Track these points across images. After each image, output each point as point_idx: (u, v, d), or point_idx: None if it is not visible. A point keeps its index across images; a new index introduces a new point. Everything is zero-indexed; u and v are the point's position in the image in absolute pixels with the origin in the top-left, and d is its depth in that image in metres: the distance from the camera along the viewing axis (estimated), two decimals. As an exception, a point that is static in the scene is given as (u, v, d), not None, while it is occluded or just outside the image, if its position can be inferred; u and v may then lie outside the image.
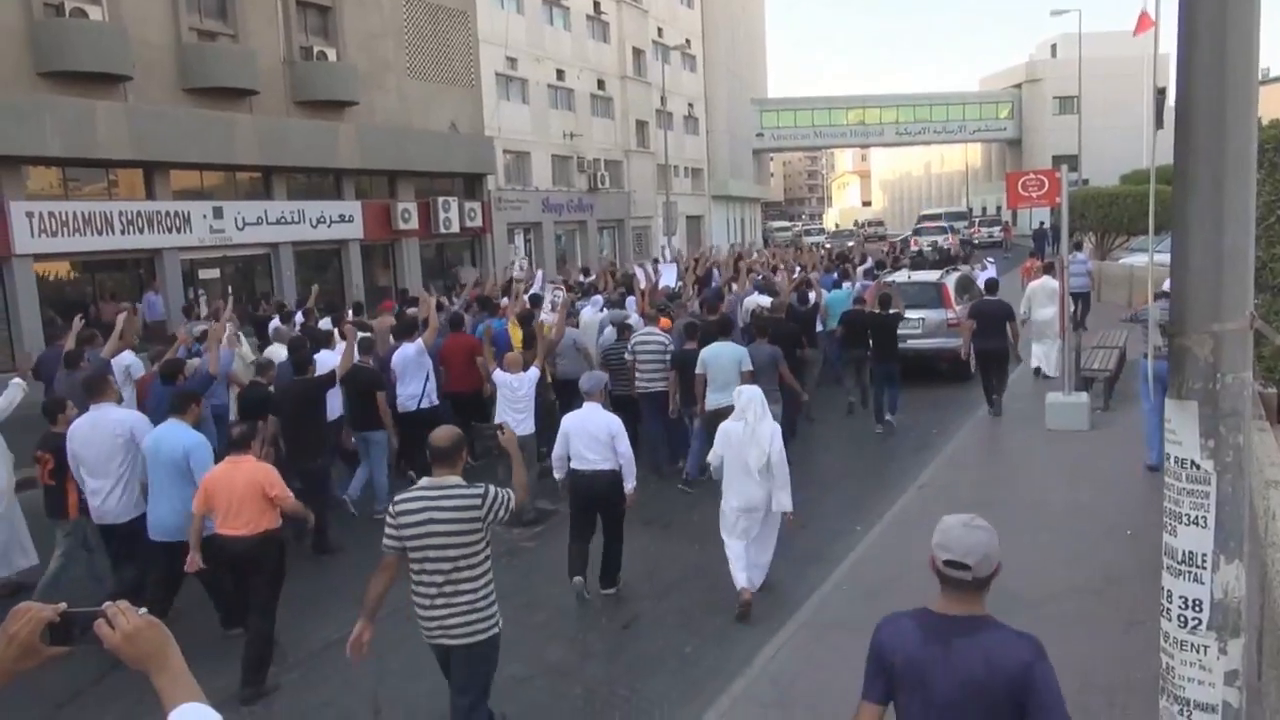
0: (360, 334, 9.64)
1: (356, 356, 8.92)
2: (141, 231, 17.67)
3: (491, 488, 4.53)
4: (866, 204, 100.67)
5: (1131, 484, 8.64)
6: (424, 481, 4.57)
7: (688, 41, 44.82)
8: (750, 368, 8.94)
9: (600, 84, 36.87)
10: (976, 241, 43.14)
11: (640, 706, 5.59)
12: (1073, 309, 14.47)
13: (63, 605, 1.72)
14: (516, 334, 11.05)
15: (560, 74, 33.87)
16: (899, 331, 12.33)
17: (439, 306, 12.37)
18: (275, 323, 12.44)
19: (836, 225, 78.77)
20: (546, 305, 13.46)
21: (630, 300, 13.43)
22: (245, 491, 5.85)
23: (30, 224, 15.76)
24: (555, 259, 31.41)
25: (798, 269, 17.83)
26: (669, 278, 17.42)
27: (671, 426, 10.56)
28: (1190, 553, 2.69)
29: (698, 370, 9.33)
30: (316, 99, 21.56)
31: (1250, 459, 2.74)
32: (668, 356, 10.10)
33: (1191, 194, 2.60)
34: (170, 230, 18.21)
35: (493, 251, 28.16)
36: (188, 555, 6.13)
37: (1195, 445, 2.64)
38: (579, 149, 34.72)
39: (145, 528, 6.65)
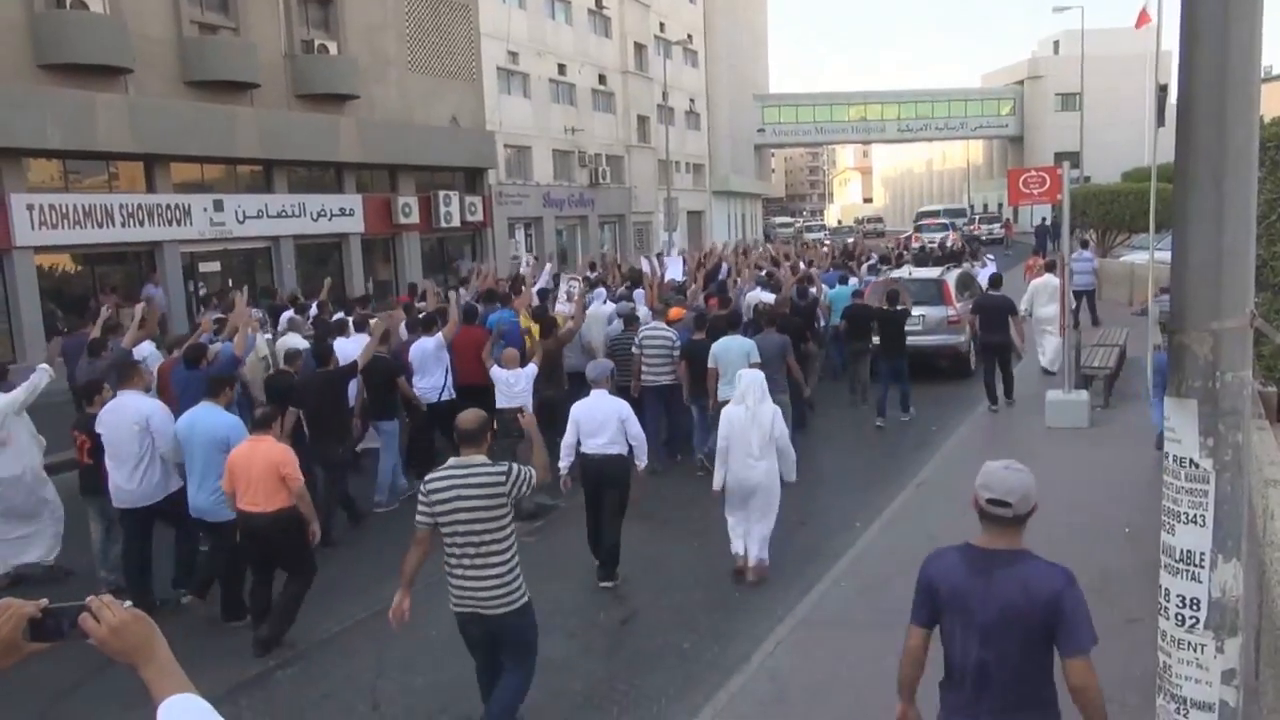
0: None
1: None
2: (142, 224, 17.64)
3: (515, 465, 4.79)
4: (868, 200, 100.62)
5: (1130, 482, 8.64)
6: (451, 461, 4.82)
7: (689, 37, 44.73)
8: (758, 359, 9.11)
9: (602, 79, 36.81)
10: (985, 238, 43.05)
11: (639, 702, 5.60)
12: (1074, 306, 14.48)
13: (44, 601, 1.71)
14: (525, 323, 11.17)
15: (562, 69, 33.81)
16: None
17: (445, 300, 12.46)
18: (290, 313, 12.55)
19: (839, 221, 78.78)
20: (562, 295, 13.63)
21: (639, 294, 13.57)
22: (262, 470, 6.12)
23: (31, 216, 15.73)
24: (556, 254, 31.39)
25: (800, 264, 17.88)
26: (675, 271, 17.53)
27: (674, 421, 10.60)
28: (1188, 551, 2.68)
29: (710, 364, 9.48)
30: (317, 92, 21.50)
31: (1249, 458, 2.73)
32: (674, 351, 10.20)
33: (1192, 191, 2.59)
34: (171, 223, 18.18)
35: (493, 246, 28.13)
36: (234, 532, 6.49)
37: (1194, 444, 2.64)
38: (580, 144, 34.68)
39: (176, 505, 6.98)
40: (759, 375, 7.27)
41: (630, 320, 10.87)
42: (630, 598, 7.13)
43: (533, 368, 9.22)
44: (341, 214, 22.44)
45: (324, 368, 8.72)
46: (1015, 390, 12.42)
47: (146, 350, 9.83)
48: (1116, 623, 5.62)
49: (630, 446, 7.21)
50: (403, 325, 11.00)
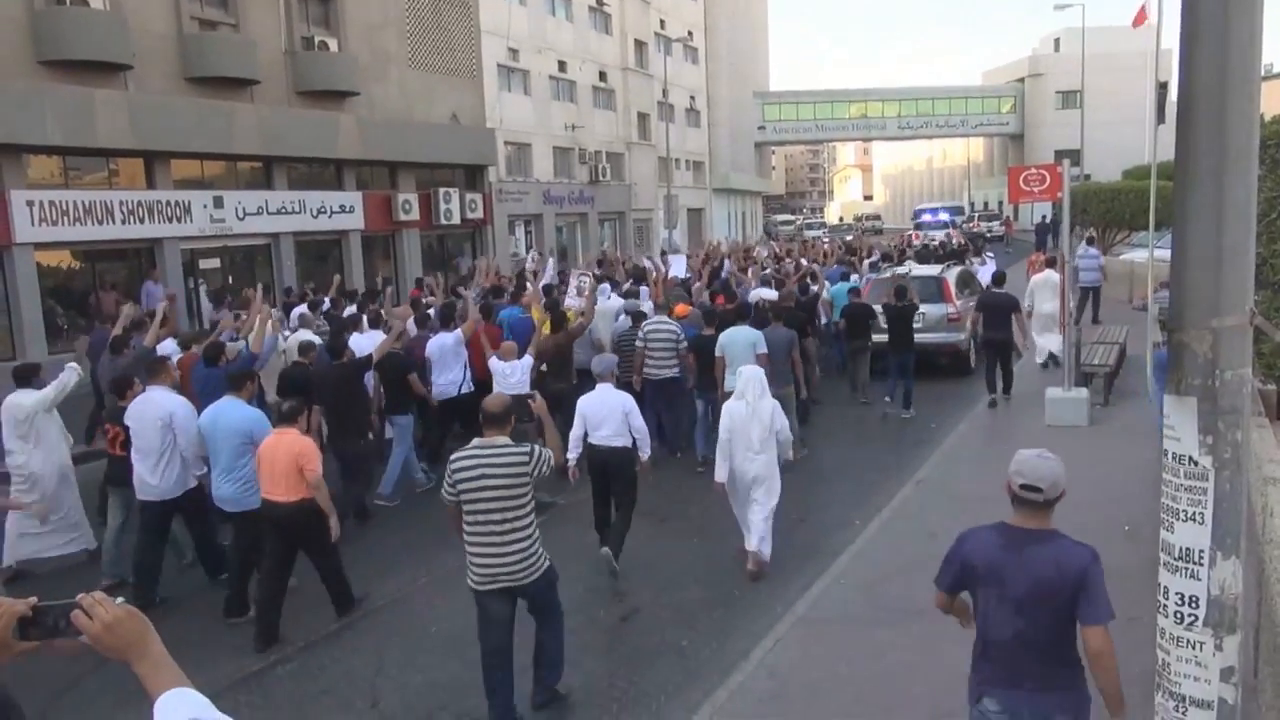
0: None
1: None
2: (142, 221, 17.64)
3: (536, 447, 5.10)
4: (868, 198, 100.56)
5: (1130, 480, 8.64)
6: (476, 442, 5.09)
7: (690, 34, 44.69)
8: (765, 350, 9.34)
9: (602, 76, 36.78)
10: (988, 234, 43.01)
11: (638, 699, 5.61)
12: (1073, 302, 14.55)
13: (33, 599, 1.71)
14: (538, 316, 11.26)
15: (562, 65, 33.78)
16: None
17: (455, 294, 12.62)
18: (301, 309, 12.63)
19: (841, 219, 78.72)
20: (572, 291, 13.83)
21: (644, 290, 13.73)
22: (285, 461, 6.35)
23: (31, 213, 15.73)
24: (556, 251, 31.38)
25: (803, 261, 17.99)
26: (678, 268, 17.61)
27: (676, 417, 10.64)
28: (1187, 549, 2.68)
29: (717, 354, 9.59)
30: (317, 89, 21.49)
31: (1248, 455, 2.73)
32: (678, 344, 10.30)
33: (1192, 189, 2.59)
34: (171, 220, 18.17)
35: (493, 243, 28.11)
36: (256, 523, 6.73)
37: (1194, 441, 2.64)
38: (580, 141, 34.65)
39: (193, 501, 7.24)
40: (758, 371, 7.45)
41: (638, 317, 11.00)
42: (630, 595, 7.13)
43: (529, 360, 9.35)
44: (341, 211, 22.42)
45: (338, 361, 8.87)
46: (1014, 387, 12.49)
47: (169, 347, 9.98)
48: (1115, 620, 5.62)
49: (634, 439, 7.44)
50: (411, 321, 11.07)
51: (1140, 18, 17.84)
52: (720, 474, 7.28)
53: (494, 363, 9.33)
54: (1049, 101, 56.68)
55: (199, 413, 7.21)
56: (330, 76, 21.77)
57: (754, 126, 57.18)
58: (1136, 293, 18.94)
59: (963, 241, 32.73)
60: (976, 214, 51.83)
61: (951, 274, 15.79)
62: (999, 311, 12.23)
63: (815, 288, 13.99)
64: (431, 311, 11.61)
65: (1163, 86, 17.03)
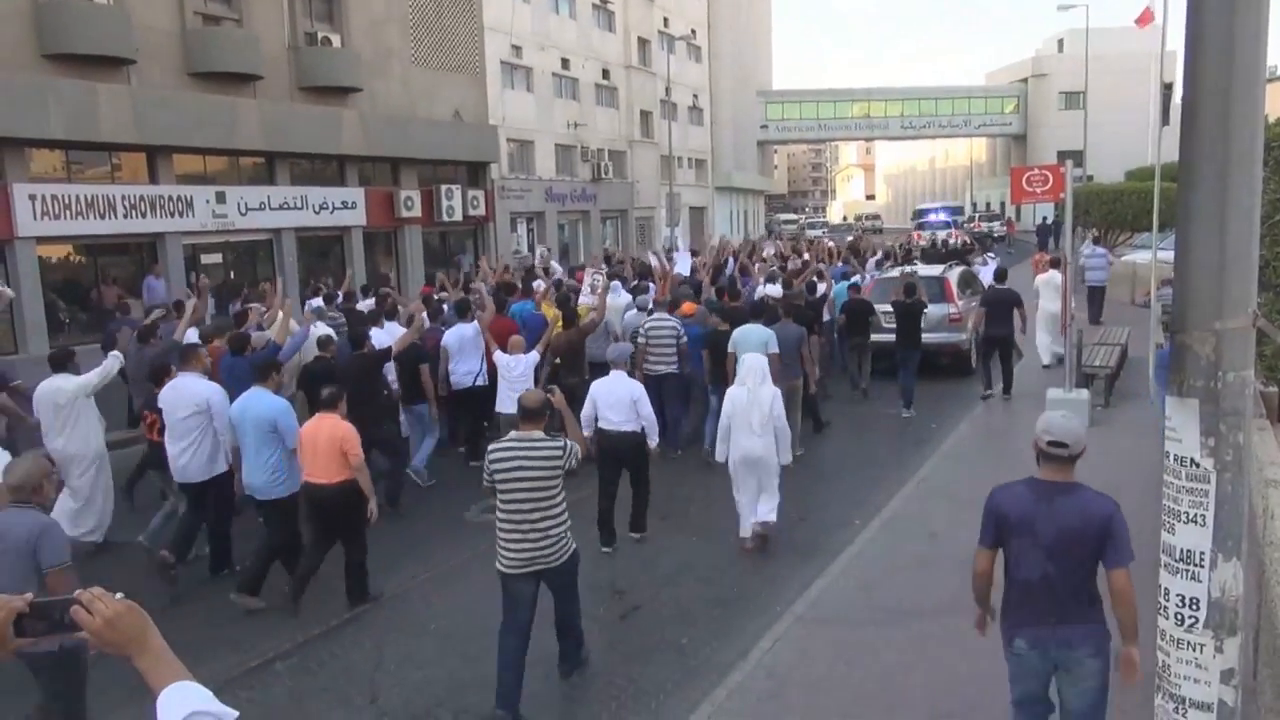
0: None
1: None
2: (144, 216, 17.63)
3: (567, 441, 5.46)
4: (870, 198, 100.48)
5: (1130, 481, 8.62)
6: (513, 435, 5.46)
7: (693, 32, 44.62)
8: (776, 350, 9.51)
9: (605, 73, 36.74)
10: (996, 235, 42.92)
11: (637, 697, 5.61)
12: (1074, 304, 14.58)
13: (29, 595, 1.70)
14: (549, 312, 11.50)
15: (565, 63, 33.74)
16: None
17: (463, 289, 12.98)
18: (316, 302, 12.69)
19: (844, 218, 78.70)
20: (586, 288, 14.02)
21: (651, 287, 13.84)
22: (326, 445, 6.66)
23: (33, 206, 15.73)
24: (559, 249, 31.39)
25: (809, 259, 18.11)
26: (683, 266, 17.68)
27: (675, 415, 10.69)
28: (1188, 551, 2.68)
29: (730, 349, 9.72)
30: (320, 85, 21.47)
31: (1250, 458, 2.73)
32: (678, 341, 10.46)
33: (1196, 191, 2.59)
34: (173, 215, 18.17)
35: (495, 240, 28.10)
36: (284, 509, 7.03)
37: (1195, 443, 2.63)
38: (583, 139, 34.62)
39: (219, 487, 7.48)
40: (761, 360, 7.85)
41: (661, 308, 11.25)
42: (629, 593, 7.14)
43: (535, 355, 9.59)
44: (343, 207, 22.42)
45: (359, 352, 9.09)
46: (1015, 388, 12.53)
47: (190, 337, 10.10)
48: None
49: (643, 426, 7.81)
50: (424, 314, 11.17)
51: (1145, 18, 17.83)
52: (720, 454, 7.77)
53: (499, 355, 9.52)
54: (1052, 102, 56.58)
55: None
56: (333, 72, 21.75)
57: (757, 125, 57.12)
58: (1139, 291, 18.97)
59: (967, 241, 32.72)
60: (978, 214, 51.76)
61: (953, 274, 15.81)
62: (1002, 307, 12.41)
63: (823, 287, 14.10)
64: (445, 306, 11.82)
65: (1168, 88, 17.02)
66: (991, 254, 24.96)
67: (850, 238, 30.06)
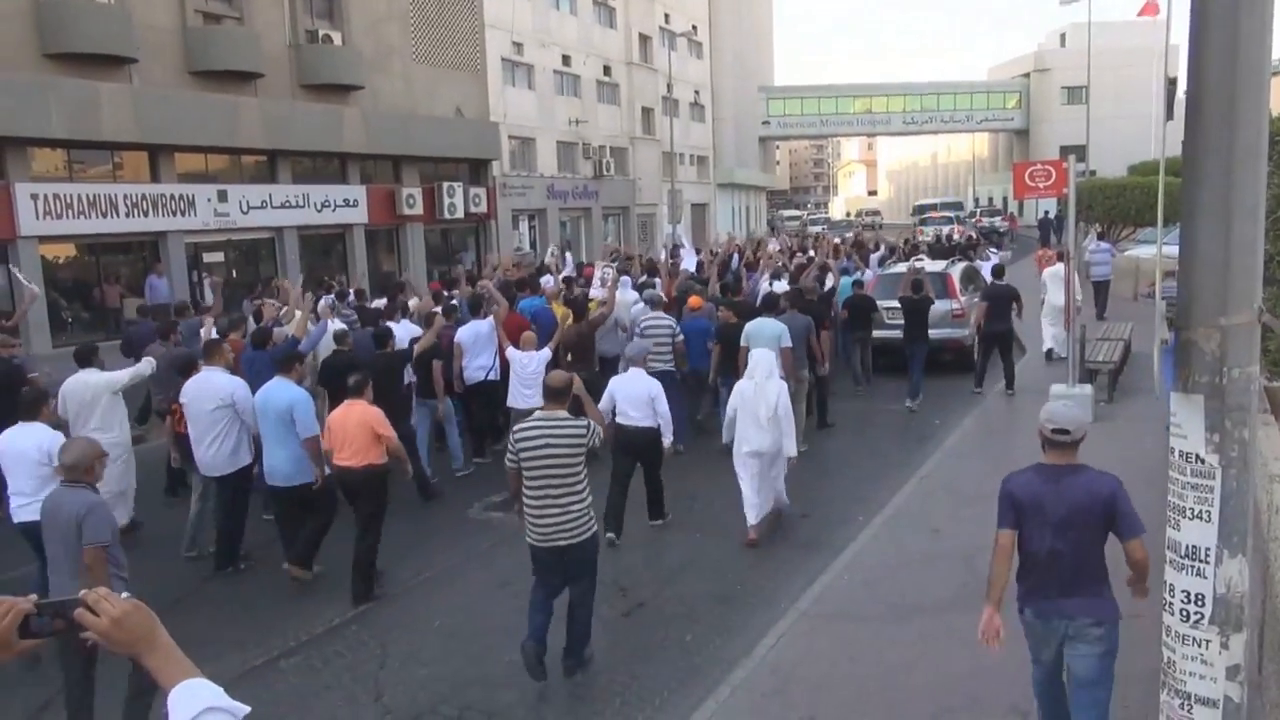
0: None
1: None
2: (146, 214, 17.64)
3: (590, 421, 5.69)
4: (872, 193, 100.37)
5: (1134, 477, 8.58)
6: (538, 415, 5.70)
7: (694, 28, 44.55)
8: (789, 344, 9.64)
9: (606, 70, 36.70)
10: (1002, 230, 42.83)
11: (640, 694, 5.61)
12: (1079, 298, 14.62)
13: (33, 596, 1.69)
14: (559, 310, 11.59)
15: (566, 60, 33.71)
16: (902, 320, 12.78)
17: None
18: (329, 298, 12.78)
19: (848, 214, 78.66)
20: (596, 281, 14.15)
21: (658, 282, 14.01)
22: (356, 430, 6.94)
23: (35, 206, 15.74)
24: (560, 246, 31.36)
25: (815, 255, 18.14)
26: (689, 262, 17.76)
27: (678, 412, 10.70)
28: (1193, 547, 2.68)
29: (743, 343, 9.79)
30: (322, 83, 21.47)
31: (1255, 453, 2.73)
32: (673, 338, 10.52)
33: (1201, 186, 2.58)
34: (175, 213, 18.17)
35: (497, 238, 28.10)
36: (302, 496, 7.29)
37: (1200, 439, 2.63)
38: (584, 135, 34.59)
39: (240, 480, 7.67)
40: (769, 355, 8.06)
41: (655, 303, 11.29)
42: (633, 590, 7.14)
43: (546, 352, 9.72)
44: (345, 205, 22.42)
45: (383, 350, 9.25)
46: (1018, 383, 12.55)
47: (210, 332, 10.31)
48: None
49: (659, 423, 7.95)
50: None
51: (1148, 8, 17.77)
52: (725, 435, 8.11)
53: (512, 352, 9.71)
54: (1054, 97, 56.46)
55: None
56: (334, 70, 21.75)
57: (758, 121, 57.07)
58: (1142, 283, 18.94)
59: (973, 236, 32.68)
60: (979, 210, 51.65)
61: (956, 269, 15.82)
62: (1003, 303, 12.49)
63: (831, 282, 14.24)
64: (455, 302, 11.94)
65: (1172, 82, 16.97)
66: (994, 250, 24.91)
67: (848, 235, 30.00)
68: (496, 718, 5.39)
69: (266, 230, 20.65)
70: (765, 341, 9.48)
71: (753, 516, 7.85)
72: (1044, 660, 4.30)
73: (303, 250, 21.38)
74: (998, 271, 13.66)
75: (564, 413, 5.65)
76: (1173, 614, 2.74)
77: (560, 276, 14.37)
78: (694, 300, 11.60)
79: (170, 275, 17.95)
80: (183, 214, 18.33)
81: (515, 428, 5.70)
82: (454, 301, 11.89)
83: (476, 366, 10.44)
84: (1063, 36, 57.39)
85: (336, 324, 10.35)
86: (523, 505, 5.67)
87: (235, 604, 7.10)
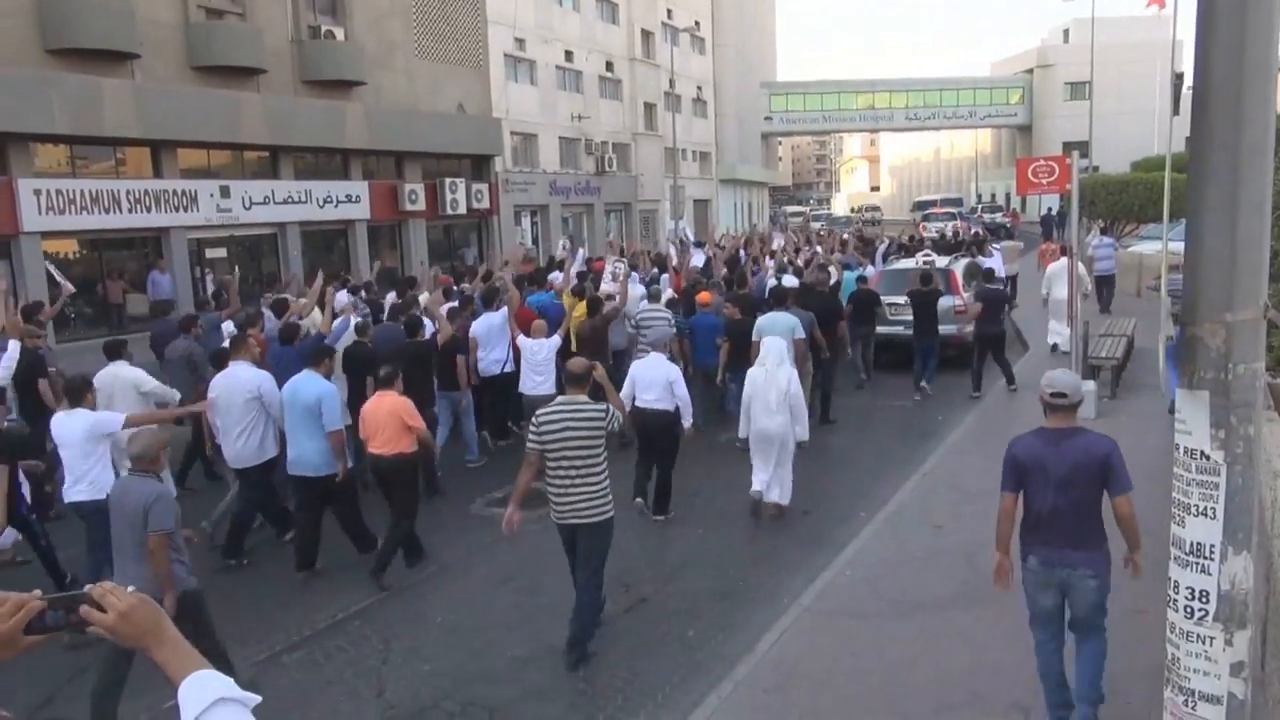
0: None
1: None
2: (149, 210, 17.63)
3: (609, 406, 5.92)
4: (875, 189, 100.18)
5: (1138, 474, 8.59)
6: (560, 399, 5.96)
7: (697, 24, 44.48)
8: (803, 335, 10.03)
9: (609, 66, 36.65)
10: (1007, 225, 42.79)
11: (642, 689, 5.61)
12: (1086, 291, 14.64)
13: (37, 592, 1.69)
14: (568, 301, 11.72)
15: (569, 55, 33.67)
16: (906, 316, 12.96)
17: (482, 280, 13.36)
18: (343, 295, 12.83)
19: (852, 209, 78.61)
20: (607, 276, 14.30)
21: (665, 278, 14.19)
22: (387, 419, 7.22)
23: (38, 201, 15.73)
24: (562, 242, 31.35)
25: (821, 250, 18.21)
26: (698, 258, 17.81)
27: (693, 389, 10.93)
28: (1198, 544, 2.67)
29: (755, 337, 9.91)
30: (324, 79, 21.44)
31: (1260, 450, 2.72)
32: (670, 331, 10.54)
33: (1207, 181, 2.57)
34: (177, 209, 18.17)
35: (499, 233, 28.09)
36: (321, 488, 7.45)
37: (1205, 436, 2.62)
38: (587, 131, 34.56)
39: (263, 473, 7.80)
40: (781, 343, 8.38)
41: (655, 299, 11.51)
42: (636, 586, 7.14)
43: (556, 340, 10.04)
44: (348, 200, 22.41)
45: (413, 339, 9.48)
46: (1021, 378, 12.54)
47: (227, 329, 10.39)
48: (1121, 614, 5.62)
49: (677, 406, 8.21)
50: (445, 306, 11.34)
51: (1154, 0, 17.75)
52: (741, 430, 8.36)
53: (523, 340, 10.04)
54: (1058, 93, 56.35)
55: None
56: (337, 66, 21.72)
57: (761, 117, 56.97)
58: (1146, 278, 18.91)
59: (979, 232, 32.66)
60: (981, 206, 51.56)
61: (958, 266, 15.81)
62: (997, 306, 12.57)
63: (836, 275, 14.32)
64: (463, 294, 12.02)
65: (1179, 77, 16.92)
66: (996, 247, 24.86)
67: (848, 232, 29.96)
68: (499, 713, 5.40)
69: (269, 226, 20.63)
70: (779, 333, 9.63)
71: (758, 484, 8.23)
72: (1042, 606, 4.59)
73: (305, 246, 21.37)
74: (989, 275, 13.77)
75: (585, 397, 5.87)
76: (1177, 610, 2.74)
77: (573, 271, 14.46)
78: (703, 296, 11.68)
79: (173, 271, 17.96)
80: (185, 210, 18.32)
81: (538, 412, 5.90)
82: (471, 294, 11.96)
83: (492, 360, 10.57)
84: (1066, 32, 57.24)
85: (356, 317, 10.48)
86: (519, 501, 5.95)
87: (238, 599, 7.10)
